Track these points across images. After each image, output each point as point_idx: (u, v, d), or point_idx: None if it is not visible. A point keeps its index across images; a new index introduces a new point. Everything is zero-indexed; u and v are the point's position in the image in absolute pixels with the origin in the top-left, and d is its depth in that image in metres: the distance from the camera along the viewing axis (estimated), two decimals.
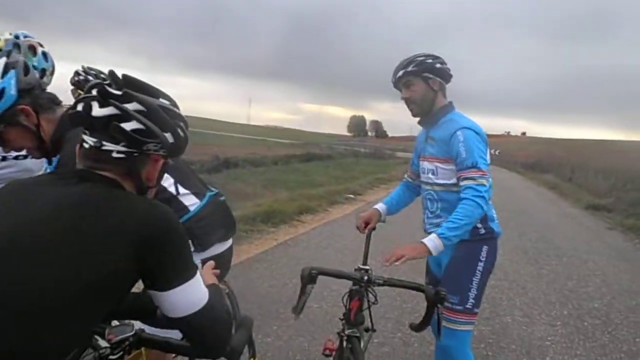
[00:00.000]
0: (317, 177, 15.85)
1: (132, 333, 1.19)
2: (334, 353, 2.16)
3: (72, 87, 3.12)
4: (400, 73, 2.20)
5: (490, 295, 4.78)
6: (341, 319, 2.09)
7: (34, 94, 1.63)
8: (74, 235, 0.97)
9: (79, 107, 1.10)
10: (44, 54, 2.16)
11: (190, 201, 1.91)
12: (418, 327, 1.97)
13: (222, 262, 2.05)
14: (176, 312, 1.08)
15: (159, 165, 1.18)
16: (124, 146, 1.09)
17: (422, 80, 2.19)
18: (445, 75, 2.23)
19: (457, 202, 2.07)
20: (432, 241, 1.97)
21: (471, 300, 2.18)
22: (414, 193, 2.61)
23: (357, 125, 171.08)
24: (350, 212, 9.25)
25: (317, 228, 7.42)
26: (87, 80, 2.95)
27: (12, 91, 1.54)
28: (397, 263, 1.94)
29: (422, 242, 1.98)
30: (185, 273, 1.07)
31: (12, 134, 1.62)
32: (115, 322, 1.26)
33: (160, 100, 1.15)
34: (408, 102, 2.25)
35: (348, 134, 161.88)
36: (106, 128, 1.07)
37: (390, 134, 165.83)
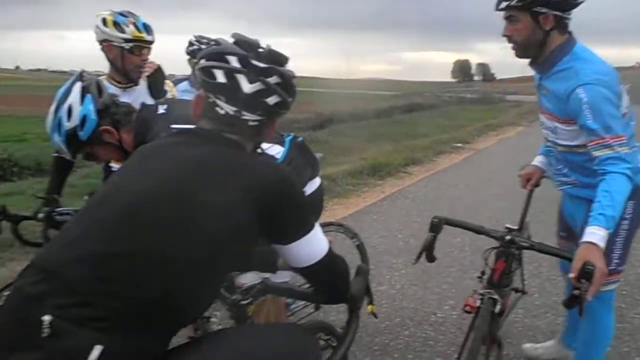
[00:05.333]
0: (421, 128, 15.37)
1: (260, 280, 1.32)
2: (473, 311, 1.91)
3: (187, 57, 3.37)
4: (503, 5, 1.78)
5: None
6: (478, 277, 1.93)
7: (110, 112, 1.72)
8: (209, 192, 1.06)
9: (220, 79, 1.13)
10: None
11: (275, 150, 2.02)
12: (566, 303, 1.68)
13: (316, 201, 2.21)
14: (300, 262, 1.17)
15: (277, 124, 1.26)
16: (259, 115, 1.16)
17: (531, 16, 1.73)
18: (566, 5, 1.76)
19: (586, 163, 1.78)
20: (597, 235, 1.58)
21: (615, 261, 1.92)
22: None
23: (461, 70, 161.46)
24: (459, 161, 8.91)
25: (424, 179, 7.28)
26: (200, 49, 3.15)
27: (92, 116, 1.65)
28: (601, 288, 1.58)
29: (593, 244, 1.57)
30: (306, 226, 1.16)
31: (99, 151, 1.78)
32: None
33: (287, 68, 1.20)
34: (509, 40, 1.86)
35: (452, 80, 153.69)
36: (250, 101, 1.14)
37: (499, 77, 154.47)
